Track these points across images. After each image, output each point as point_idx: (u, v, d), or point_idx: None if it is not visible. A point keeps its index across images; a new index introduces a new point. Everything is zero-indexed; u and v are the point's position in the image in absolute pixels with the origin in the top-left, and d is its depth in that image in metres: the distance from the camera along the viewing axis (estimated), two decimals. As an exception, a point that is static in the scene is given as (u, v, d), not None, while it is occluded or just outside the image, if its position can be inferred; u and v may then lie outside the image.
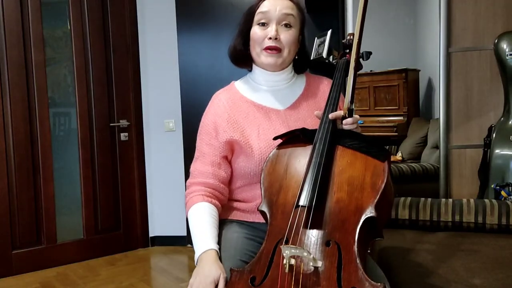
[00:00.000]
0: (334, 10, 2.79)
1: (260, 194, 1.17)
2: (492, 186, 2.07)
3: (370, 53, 1.29)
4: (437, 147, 2.43)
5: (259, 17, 1.28)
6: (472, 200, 1.81)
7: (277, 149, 1.22)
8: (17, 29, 2.93)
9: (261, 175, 1.19)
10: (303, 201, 1.06)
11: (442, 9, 2.27)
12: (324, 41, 2.71)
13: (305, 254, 0.99)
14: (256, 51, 1.30)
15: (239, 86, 1.39)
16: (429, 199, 1.87)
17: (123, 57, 3.36)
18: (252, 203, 1.29)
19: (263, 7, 1.27)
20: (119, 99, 3.35)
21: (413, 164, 2.72)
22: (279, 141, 1.22)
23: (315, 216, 1.04)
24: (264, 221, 1.18)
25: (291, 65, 1.36)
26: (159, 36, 3.44)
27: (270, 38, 1.25)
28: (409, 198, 1.88)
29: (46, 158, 3.06)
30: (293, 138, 1.21)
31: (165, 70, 3.44)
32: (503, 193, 1.99)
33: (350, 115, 1.17)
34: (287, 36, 1.26)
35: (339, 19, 2.74)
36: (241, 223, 1.31)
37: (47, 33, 3.10)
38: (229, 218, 1.33)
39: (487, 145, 2.17)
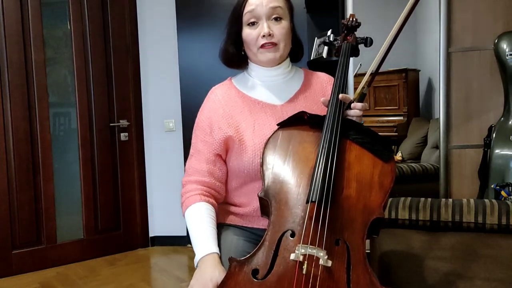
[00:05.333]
0: (334, 10, 2.79)
1: (255, 198, 1.14)
2: (492, 186, 2.07)
3: (372, 40, 1.26)
4: (437, 147, 2.43)
5: (247, 17, 1.25)
6: (472, 200, 1.81)
7: (279, 130, 1.17)
8: (17, 29, 2.93)
9: (261, 157, 1.14)
10: (314, 196, 1.01)
11: (442, 9, 2.27)
12: (325, 40, 2.71)
13: (321, 254, 0.96)
14: (252, 52, 1.28)
15: (236, 81, 1.37)
16: (429, 199, 1.86)
17: (123, 57, 3.36)
18: (248, 208, 1.27)
19: (249, 6, 1.24)
20: (119, 99, 3.35)
21: (413, 164, 2.72)
22: None
23: (325, 212, 1.00)
24: (263, 227, 1.15)
25: (288, 59, 1.34)
26: (159, 36, 3.44)
27: (263, 36, 1.23)
28: (409, 198, 1.88)
29: (46, 158, 3.05)
30: (296, 120, 1.16)
31: (165, 70, 3.44)
32: (503, 193, 1.99)
33: (361, 100, 1.14)
34: (280, 30, 1.24)
35: (339, 19, 2.73)
36: (239, 228, 1.29)
37: (47, 33, 3.09)
38: (227, 222, 1.31)
39: (487, 145, 2.17)
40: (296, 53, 1.37)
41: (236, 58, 1.33)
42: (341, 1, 2.59)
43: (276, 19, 1.24)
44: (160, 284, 2.80)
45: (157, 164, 3.51)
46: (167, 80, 3.44)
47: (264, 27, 1.22)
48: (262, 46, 1.24)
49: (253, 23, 1.25)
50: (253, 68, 1.33)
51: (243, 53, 1.32)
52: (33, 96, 3.01)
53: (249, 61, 1.34)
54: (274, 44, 1.24)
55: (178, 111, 3.44)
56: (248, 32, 1.25)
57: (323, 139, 1.09)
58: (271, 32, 1.23)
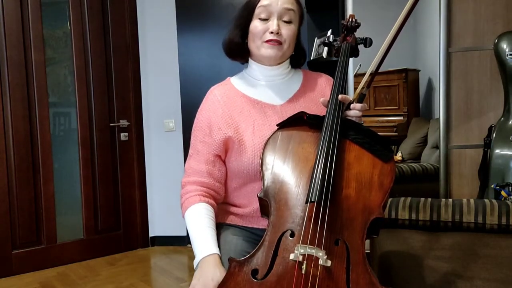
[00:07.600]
0: (334, 10, 2.79)
1: (255, 199, 1.14)
2: (492, 186, 2.07)
3: (371, 41, 1.26)
4: (437, 147, 2.43)
5: (260, 11, 1.25)
6: (472, 200, 1.81)
7: (278, 130, 1.17)
8: (17, 29, 2.93)
9: (261, 158, 1.14)
10: (313, 196, 1.00)
11: (442, 9, 2.27)
12: (324, 41, 2.71)
13: (320, 254, 0.96)
14: (256, 44, 1.27)
15: (235, 81, 1.37)
16: (429, 199, 1.86)
17: (123, 57, 3.36)
18: (248, 208, 1.27)
19: (264, 1, 1.25)
20: (119, 99, 3.35)
21: (413, 164, 2.72)
22: None
23: (324, 212, 1.00)
24: (262, 227, 1.15)
25: (287, 60, 1.34)
26: (159, 36, 3.44)
27: (271, 33, 1.23)
28: (409, 198, 1.88)
29: (46, 158, 3.06)
30: (296, 121, 1.16)
31: (165, 70, 3.44)
32: (503, 193, 1.99)
33: (360, 101, 1.15)
34: (287, 32, 1.25)
35: (339, 19, 2.74)
36: (239, 228, 1.29)
37: (47, 33, 3.09)
38: (227, 222, 1.31)
39: (487, 145, 2.17)
40: (298, 59, 1.38)
41: (239, 49, 1.32)
42: (341, 1, 2.60)
43: (286, 21, 1.26)
44: (160, 284, 2.80)
45: (157, 164, 3.51)
46: (167, 80, 3.44)
47: (274, 24, 1.24)
48: (267, 41, 1.25)
49: (264, 18, 1.26)
50: (253, 66, 1.33)
51: (246, 45, 1.32)
52: (33, 96, 3.01)
53: (249, 58, 1.34)
54: (279, 43, 1.25)
55: (178, 111, 3.44)
56: (256, 25, 1.26)
57: (322, 139, 1.09)
58: (279, 30, 1.24)
